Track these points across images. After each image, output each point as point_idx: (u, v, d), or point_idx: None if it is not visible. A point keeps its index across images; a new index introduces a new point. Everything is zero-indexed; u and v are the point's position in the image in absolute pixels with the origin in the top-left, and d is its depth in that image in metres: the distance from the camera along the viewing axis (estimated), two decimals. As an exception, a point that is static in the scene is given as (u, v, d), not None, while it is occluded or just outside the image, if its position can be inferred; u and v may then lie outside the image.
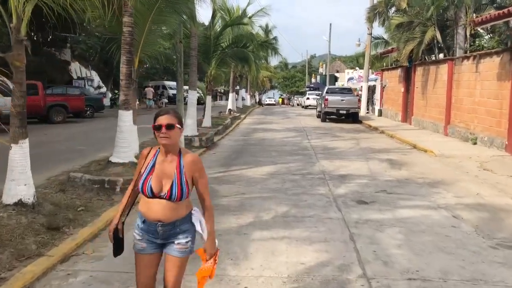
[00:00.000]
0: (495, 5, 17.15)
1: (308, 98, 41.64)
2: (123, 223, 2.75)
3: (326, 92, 22.92)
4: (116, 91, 29.94)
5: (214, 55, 17.26)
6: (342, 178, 8.24)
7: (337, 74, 53.85)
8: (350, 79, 42.13)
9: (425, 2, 16.55)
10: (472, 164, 9.73)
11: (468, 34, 15.22)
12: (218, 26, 18.06)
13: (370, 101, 28.27)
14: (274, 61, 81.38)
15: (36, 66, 21.02)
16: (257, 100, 56.18)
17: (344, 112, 21.31)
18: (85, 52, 28.29)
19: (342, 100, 21.39)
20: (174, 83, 12.69)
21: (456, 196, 6.99)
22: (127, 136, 7.81)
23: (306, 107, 40.97)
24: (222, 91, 54.33)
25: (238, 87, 36.56)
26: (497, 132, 11.55)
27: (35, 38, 23.75)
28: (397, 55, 20.89)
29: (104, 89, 34.07)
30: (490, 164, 9.65)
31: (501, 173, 8.72)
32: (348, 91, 23.89)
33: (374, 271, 4.08)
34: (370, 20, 21.78)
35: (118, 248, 2.74)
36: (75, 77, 30.54)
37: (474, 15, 15.19)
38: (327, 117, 22.28)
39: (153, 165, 2.60)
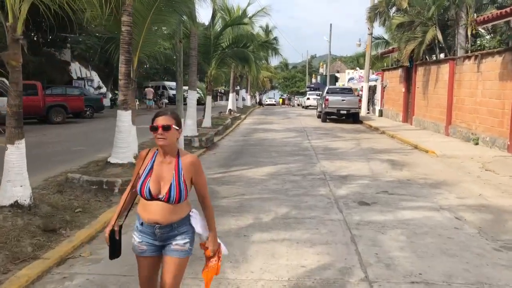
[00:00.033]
0: (496, 4, 17.09)
1: (308, 99, 41.53)
2: (120, 225, 2.70)
3: (327, 92, 22.83)
4: (116, 92, 29.84)
5: (214, 55, 17.19)
6: (343, 179, 8.16)
7: (337, 75, 53.79)
8: (351, 79, 42.09)
9: (426, 1, 16.48)
10: (474, 165, 9.65)
11: (469, 34, 15.14)
12: (218, 26, 17.98)
13: (371, 101, 28.19)
14: (274, 61, 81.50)
15: (36, 67, 21.03)
16: (258, 101, 56.10)
17: (345, 112, 21.23)
18: (85, 52, 28.23)
19: (343, 100, 21.31)
20: (174, 83, 12.59)
21: (459, 197, 6.90)
22: (125, 136, 7.74)
23: (306, 107, 40.87)
24: (223, 91, 54.31)
25: (238, 88, 36.50)
26: (499, 132, 11.47)
27: (35, 39, 23.72)
28: (398, 55, 20.82)
29: (104, 90, 34.05)
30: (492, 164, 9.57)
31: (503, 174, 8.64)
32: (348, 91, 23.80)
33: (376, 274, 4.01)
34: (371, 20, 21.68)
35: (114, 251, 2.70)
36: (75, 77, 30.52)
37: (475, 15, 15.12)
38: (328, 117, 22.19)
39: (151, 167, 2.58)
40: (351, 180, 8.10)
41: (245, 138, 15.29)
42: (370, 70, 27.89)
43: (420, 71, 18.29)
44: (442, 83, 15.63)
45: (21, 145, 5.01)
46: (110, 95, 32.52)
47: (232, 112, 25.24)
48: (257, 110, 39.15)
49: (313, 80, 66.92)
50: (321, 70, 66.71)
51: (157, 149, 2.62)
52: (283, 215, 5.80)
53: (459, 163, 9.96)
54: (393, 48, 22.47)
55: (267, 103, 56.90)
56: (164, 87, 39.94)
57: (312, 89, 50.10)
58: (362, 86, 28.69)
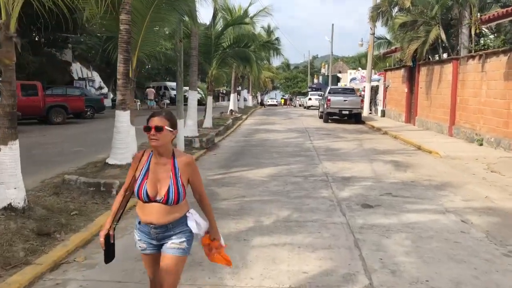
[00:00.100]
0: (499, 4, 16.92)
1: (310, 99, 41.32)
2: (114, 228, 2.68)
3: (329, 93, 22.67)
4: (118, 92, 29.71)
5: (215, 55, 17.05)
6: (345, 181, 8.00)
7: (339, 75, 53.65)
8: (353, 79, 41.92)
9: (429, 1, 16.32)
10: (479, 166, 9.48)
11: (473, 33, 14.96)
12: (219, 26, 17.84)
13: (373, 101, 28.00)
14: (276, 61, 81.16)
15: (37, 67, 20.91)
16: (259, 101, 55.93)
17: (347, 112, 21.05)
18: (86, 52, 28.12)
19: (345, 100, 21.14)
20: (176, 84, 12.52)
21: (464, 199, 6.74)
22: (124, 137, 7.60)
23: (308, 107, 40.66)
24: (224, 91, 54.17)
25: (239, 88, 36.38)
26: (504, 133, 11.29)
27: (36, 39, 23.62)
28: (400, 55, 20.64)
29: (105, 90, 33.95)
30: (497, 165, 9.39)
31: (509, 175, 8.47)
32: (350, 91, 23.63)
33: (381, 280, 3.85)
34: (373, 19, 21.52)
35: (109, 255, 2.69)
36: (76, 77, 30.43)
37: (479, 14, 14.94)
38: (330, 117, 22.01)
39: (147, 169, 2.57)
40: (354, 181, 7.94)
41: (246, 138, 15.14)
42: (372, 70, 27.70)
43: (423, 71, 18.11)
44: (446, 83, 15.45)
45: (14, 146, 4.87)
46: (111, 96, 32.41)
47: (233, 113, 25.11)
48: (258, 110, 38.97)
49: (315, 81, 66.77)
50: (323, 71, 66.54)
51: (152, 150, 2.61)
52: (284, 218, 5.65)
53: (464, 164, 9.79)
54: (395, 48, 22.29)
55: (268, 103, 56.69)
56: (166, 88, 39.81)
57: (314, 89, 49.91)
58: (364, 86, 28.51)
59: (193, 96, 13.70)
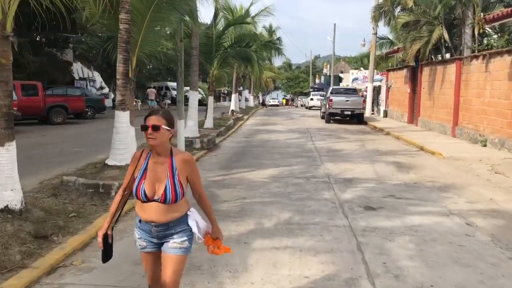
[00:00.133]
0: (503, 3, 16.79)
1: (312, 99, 41.24)
2: (112, 228, 2.69)
3: (331, 93, 22.55)
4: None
5: (216, 55, 16.97)
6: (347, 182, 7.91)
7: (341, 75, 53.47)
8: (355, 79, 41.78)
9: (432, 0, 16.19)
10: (483, 167, 9.37)
11: (476, 33, 14.84)
12: (220, 26, 17.76)
13: (375, 102, 27.88)
14: (277, 61, 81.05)
15: (37, 67, 20.87)
16: (261, 101, 55.89)
17: (349, 113, 20.95)
18: (87, 52, 28.06)
19: (347, 100, 21.03)
20: (177, 84, 12.44)
21: (469, 201, 6.64)
22: (123, 137, 7.52)
23: (310, 108, 40.56)
24: (225, 92, 54.10)
25: (241, 88, 36.28)
26: (508, 133, 11.17)
27: (37, 39, 23.58)
28: (403, 55, 20.53)
29: (106, 90, 33.90)
30: (502, 167, 9.28)
31: (514, 177, 8.36)
32: (353, 91, 23.51)
33: (385, 285, 3.76)
34: (376, 19, 21.39)
35: (107, 255, 2.70)
36: (77, 77, 30.40)
37: (482, 14, 14.82)
38: (332, 118, 21.90)
39: (145, 169, 2.57)
40: (356, 183, 7.84)
41: (247, 139, 15.05)
42: (375, 70, 27.59)
43: (426, 71, 18.00)
44: (449, 83, 15.34)
45: (11, 147, 4.79)
46: (112, 96, 32.37)
47: (234, 113, 25.03)
48: (260, 110, 38.89)
49: (317, 81, 66.64)
50: (324, 71, 66.38)
51: (150, 150, 2.60)
52: (285, 221, 5.56)
53: (467, 165, 9.68)
54: (398, 48, 22.17)
55: (270, 103, 56.62)
56: (167, 88, 39.73)
57: (315, 89, 49.82)
58: (366, 87, 28.39)
59: (194, 97, 13.62)
